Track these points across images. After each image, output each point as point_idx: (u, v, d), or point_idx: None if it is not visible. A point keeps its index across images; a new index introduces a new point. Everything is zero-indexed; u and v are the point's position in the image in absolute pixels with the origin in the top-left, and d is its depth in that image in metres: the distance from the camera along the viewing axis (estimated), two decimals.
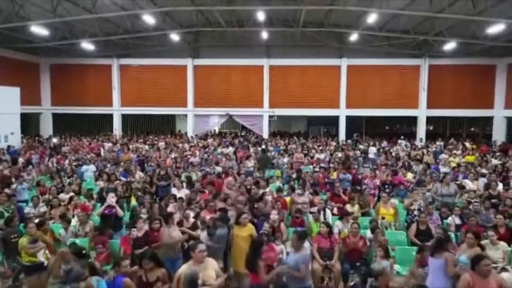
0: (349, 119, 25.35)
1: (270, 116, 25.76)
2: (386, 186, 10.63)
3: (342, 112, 25.10)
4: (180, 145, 20.22)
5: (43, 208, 9.04)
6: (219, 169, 13.69)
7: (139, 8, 17.97)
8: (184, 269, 4.95)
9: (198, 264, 5.03)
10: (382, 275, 4.88)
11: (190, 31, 23.38)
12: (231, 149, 18.86)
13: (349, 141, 23.35)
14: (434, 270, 5.67)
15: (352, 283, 6.80)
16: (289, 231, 7.62)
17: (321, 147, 19.84)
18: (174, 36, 23.00)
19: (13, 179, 11.67)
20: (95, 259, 6.96)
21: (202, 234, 7.15)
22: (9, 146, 18.65)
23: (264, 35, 22.64)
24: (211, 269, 5.12)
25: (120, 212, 8.09)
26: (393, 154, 17.85)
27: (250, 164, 14.53)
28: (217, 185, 10.83)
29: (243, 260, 5.92)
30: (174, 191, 10.24)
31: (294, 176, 12.60)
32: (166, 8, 18.21)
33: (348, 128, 25.49)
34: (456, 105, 24.15)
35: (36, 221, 8.01)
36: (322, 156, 16.81)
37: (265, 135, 25.31)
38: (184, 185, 10.75)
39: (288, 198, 9.53)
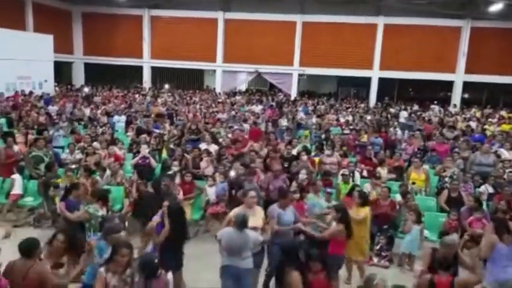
0: (381, 81, 24.64)
1: (300, 75, 25.30)
2: (418, 151, 10.45)
3: (375, 74, 24.36)
4: (209, 101, 20.29)
5: (79, 155, 9.33)
6: (246, 126, 13.72)
7: None
8: (235, 211, 5.27)
9: (248, 208, 5.32)
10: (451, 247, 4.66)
11: None
12: (259, 107, 18.77)
13: (378, 103, 22.86)
14: (503, 259, 4.89)
15: (378, 246, 6.86)
16: None
17: (350, 109, 19.52)
18: None
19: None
20: (128, 206, 7.23)
21: (210, 190, 7.50)
22: (42, 93, 19.07)
23: None
24: (259, 216, 5.39)
25: (153, 163, 8.29)
26: (426, 119, 17.39)
27: (284, 122, 14.51)
28: (244, 142, 10.87)
29: (358, 248, 5.86)
30: (203, 145, 10.36)
31: (323, 136, 12.53)
32: None
33: (379, 91, 24.84)
34: (496, 72, 22.99)
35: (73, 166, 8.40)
36: (350, 118, 16.59)
37: (294, 94, 24.99)
38: None
39: (316, 159, 9.54)
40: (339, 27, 24.05)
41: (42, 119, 12.76)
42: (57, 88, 22.26)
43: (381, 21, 23.65)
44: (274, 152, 9.35)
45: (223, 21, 25.10)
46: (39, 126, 11.86)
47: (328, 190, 7.22)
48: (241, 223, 4.77)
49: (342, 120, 16.07)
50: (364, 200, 6.12)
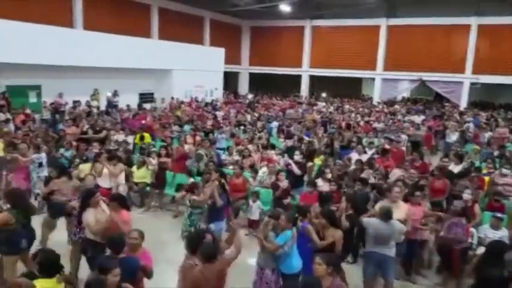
0: None
1: (472, 83, 22.55)
2: None
3: None
4: (366, 109, 19.70)
5: (236, 157, 10.05)
6: (404, 137, 12.84)
7: None
8: (381, 204, 5.74)
9: (392, 203, 5.74)
10: None
11: None
12: (421, 117, 17.38)
13: None
14: None
15: None
16: (484, 216, 6.66)
17: None
18: None
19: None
20: None
21: None
22: (212, 101, 21.34)
23: None
24: (402, 210, 5.72)
25: (295, 170, 8.25)
26: None
27: (454, 137, 13.18)
28: (398, 154, 10.16)
29: None
30: (355, 155, 10.03)
31: (496, 153, 10.87)
32: None
33: None
34: None
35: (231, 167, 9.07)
36: None
37: (463, 104, 22.41)
38: (367, 150, 10.41)
39: (486, 178, 8.30)
40: None
41: (209, 123, 14.25)
42: (224, 95, 24.62)
43: None
44: (440, 171, 7.92)
45: (386, 28, 24.15)
46: (207, 129, 13.24)
47: (498, 215, 6.20)
48: (386, 214, 5.18)
49: None
50: None
